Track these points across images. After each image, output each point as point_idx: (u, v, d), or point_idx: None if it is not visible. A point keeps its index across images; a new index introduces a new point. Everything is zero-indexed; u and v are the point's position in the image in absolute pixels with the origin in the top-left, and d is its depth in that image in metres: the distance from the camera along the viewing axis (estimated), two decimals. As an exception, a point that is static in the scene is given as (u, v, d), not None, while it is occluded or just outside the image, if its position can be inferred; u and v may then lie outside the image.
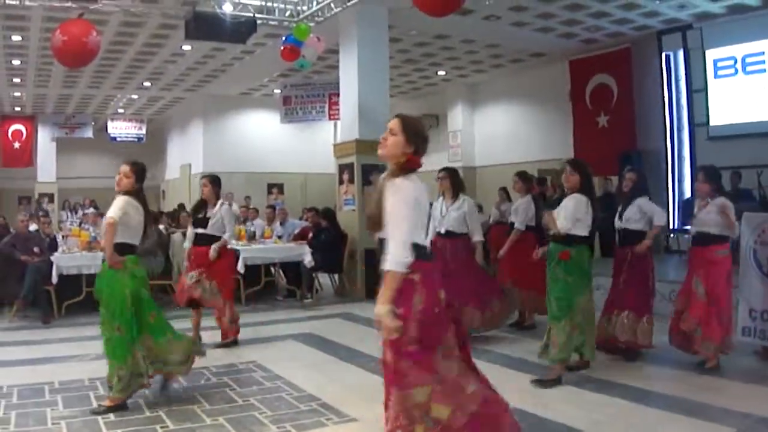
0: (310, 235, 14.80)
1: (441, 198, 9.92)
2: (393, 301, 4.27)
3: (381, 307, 4.25)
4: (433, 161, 20.07)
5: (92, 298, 12.65)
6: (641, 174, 9.00)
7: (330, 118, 22.61)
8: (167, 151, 32.72)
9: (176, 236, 13.90)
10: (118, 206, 7.03)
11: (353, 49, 15.18)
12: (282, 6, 14.81)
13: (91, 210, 19.33)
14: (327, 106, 22.13)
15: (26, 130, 29.12)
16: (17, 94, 25.75)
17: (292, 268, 14.45)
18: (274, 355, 9.21)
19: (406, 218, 4.36)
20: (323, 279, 15.67)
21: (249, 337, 10.53)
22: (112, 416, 6.68)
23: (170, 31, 17.15)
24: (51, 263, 12.54)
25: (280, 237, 15.64)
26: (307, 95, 22.50)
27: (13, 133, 28.93)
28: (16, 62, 20.49)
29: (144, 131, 30.60)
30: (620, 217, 8.77)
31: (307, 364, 8.88)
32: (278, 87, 23.82)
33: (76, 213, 26.21)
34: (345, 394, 7.40)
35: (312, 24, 14.65)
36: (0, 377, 8.35)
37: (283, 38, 14.60)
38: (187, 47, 18.93)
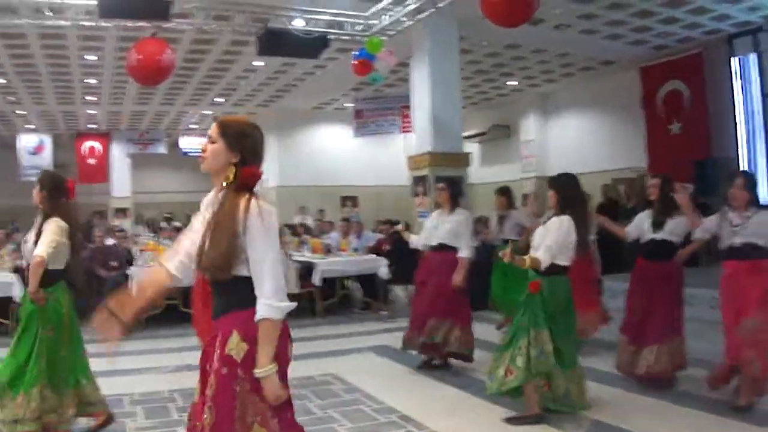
0: (386, 247, 14.83)
1: (437, 210, 9.54)
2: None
3: (269, 368, 3.50)
4: (506, 172, 20.12)
5: (171, 311, 12.90)
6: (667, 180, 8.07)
7: (402, 131, 22.56)
8: (240, 165, 32.80)
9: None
10: (46, 241, 6.32)
11: (425, 62, 15.16)
12: (353, 21, 14.88)
13: (169, 224, 19.51)
14: (399, 118, 22.07)
15: (101, 146, 29.46)
16: (92, 111, 26.16)
17: (368, 281, 14.50)
18: (351, 367, 9.23)
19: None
20: (399, 291, 15.68)
21: (327, 349, 10.59)
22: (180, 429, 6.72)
23: (242, 48, 17.30)
24: (128, 276, 12.77)
25: (356, 250, 15.67)
26: (379, 108, 22.49)
27: (88, 149, 29.27)
28: (91, 81, 20.80)
29: (216, 146, 30.78)
30: (658, 227, 7.89)
31: (384, 376, 8.90)
32: (350, 101, 23.87)
33: (153, 228, 26.52)
34: (424, 405, 7.41)
35: (384, 38, 14.68)
36: None
37: (355, 53, 14.65)
38: (258, 63, 19.07)
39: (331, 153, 26.44)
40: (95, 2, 12.75)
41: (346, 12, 14.60)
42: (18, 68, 19.00)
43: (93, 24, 13.80)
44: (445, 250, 9.12)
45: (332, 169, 26.01)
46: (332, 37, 14.65)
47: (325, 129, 27.25)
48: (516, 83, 22.63)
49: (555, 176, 7.25)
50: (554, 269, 6.64)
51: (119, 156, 30.42)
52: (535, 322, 6.62)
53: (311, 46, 14.40)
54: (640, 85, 19.41)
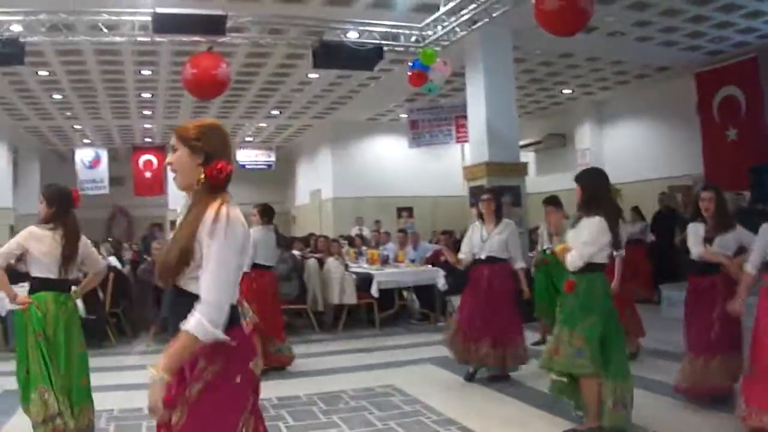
0: (443, 257, 14.81)
1: (479, 222, 9.36)
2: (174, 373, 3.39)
3: (161, 375, 3.34)
4: (562, 181, 19.96)
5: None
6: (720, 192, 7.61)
7: (458, 141, 22.55)
8: (297, 177, 33.06)
9: (311, 261, 14.03)
10: (5, 246, 6.50)
11: (479, 72, 15.12)
12: (407, 32, 14.89)
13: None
14: (454, 128, 22.06)
15: (157, 160, 29.67)
16: (148, 125, 26.46)
17: (426, 292, 14.48)
18: (411, 379, 9.19)
19: (230, 268, 3.40)
20: (456, 302, 15.63)
21: (385, 360, 10.60)
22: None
23: (297, 61, 17.39)
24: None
25: (413, 261, 15.67)
26: (434, 119, 22.49)
27: (144, 163, 29.49)
28: (146, 95, 21.05)
29: (273, 158, 30.86)
30: (709, 242, 7.44)
31: (444, 387, 8.87)
32: (405, 111, 23.87)
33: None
34: (484, 418, 7.35)
35: (438, 48, 14.68)
36: (142, 399, 8.56)
37: (410, 63, 14.65)
38: (313, 75, 19.15)
39: (387, 164, 26.44)
40: (150, 18, 12.88)
41: (401, 23, 14.60)
42: (74, 84, 19.28)
43: (148, 39, 13.92)
44: (495, 262, 9.07)
45: (388, 180, 26.03)
46: (387, 48, 14.65)
47: (380, 140, 27.26)
48: (570, 92, 22.50)
49: (582, 171, 6.92)
50: (590, 267, 6.39)
51: (175, 169, 30.44)
52: (572, 321, 6.43)
53: (366, 57, 14.42)
54: (695, 91, 19.17)
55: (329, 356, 10.75)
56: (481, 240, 9.15)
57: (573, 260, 6.34)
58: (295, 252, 14.38)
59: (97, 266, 7.01)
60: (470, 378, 9.16)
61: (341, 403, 8.14)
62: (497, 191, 9.69)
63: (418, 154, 25.57)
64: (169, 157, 3.66)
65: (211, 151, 3.58)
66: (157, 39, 13.82)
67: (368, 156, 26.88)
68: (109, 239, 18.10)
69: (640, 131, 22.45)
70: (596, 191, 6.48)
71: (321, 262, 14.13)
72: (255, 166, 30.84)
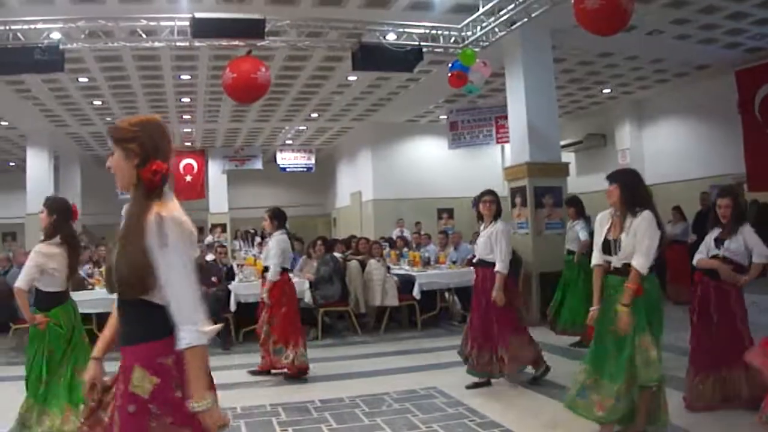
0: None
1: (482, 224, 9.22)
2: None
3: (208, 401, 3.26)
4: (603, 181, 19.88)
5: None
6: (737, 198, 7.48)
7: (497, 142, 22.50)
8: (337, 179, 33.12)
9: (352, 263, 14.03)
10: (24, 271, 6.66)
11: (519, 72, 15.07)
12: (446, 33, 14.85)
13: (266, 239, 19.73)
14: (494, 129, 22.01)
15: (197, 163, 29.84)
16: (188, 129, 26.59)
17: (467, 293, 14.43)
18: (453, 381, 9.12)
19: (186, 270, 3.31)
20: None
21: (428, 362, 10.58)
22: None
23: (336, 63, 17.42)
24: (229, 292, 13.02)
25: (454, 262, 15.65)
26: (473, 120, 22.46)
27: (184, 167, 29.66)
28: (185, 100, 21.17)
29: (313, 161, 30.93)
30: (719, 245, 7.37)
31: (487, 390, 8.82)
32: (444, 113, 23.87)
33: (252, 242, 26.70)
34: (526, 420, 7.34)
35: (477, 49, 14.63)
36: None
37: (450, 65, 14.62)
38: (353, 78, 19.18)
39: (427, 165, 26.35)
40: (188, 23, 12.94)
41: (439, 24, 14.58)
42: (114, 90, 19.44)
43: (186, 44, 13.99)
44: (483, 266, 8.96)
45: (428, 182, 25.97)
46: (426, 49, 14.62)
47: (420, 141, 27.18)
48: (609, 91, 22.32)
49: (617, 171, 6.74)
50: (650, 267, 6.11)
51: (215, 172, 30.89)
52: (639, 326, 6.07)
53: (406, 59, 14.39)
54: (736, 89, 18.97)
55: (371, 358, 10.75)
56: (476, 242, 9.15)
57: (642, 263, 6.02)
58: (337, 254, 14.37)
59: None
60: (472, 385, 9.00)
61: (384, 405, 8.14)
62: (496, 193, 9.22)
63: (457, 155, 25.56)
64: (109, 160, 3.57)
65: (147, 152, 3.44)
66: (196, 44, 13.88)
67: (408, 157, 26.83)
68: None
69: (681, 130, 22.23)
70: (637, 188, 6.34)
71: (363, 264, 14.14)
72: (295, 169, 30.93)
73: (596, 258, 6.44)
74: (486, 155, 26.14)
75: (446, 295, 15.17)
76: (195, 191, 29.72)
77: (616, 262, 6.28)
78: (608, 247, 6.28)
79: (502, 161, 25.84)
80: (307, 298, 13.21)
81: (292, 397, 8.71)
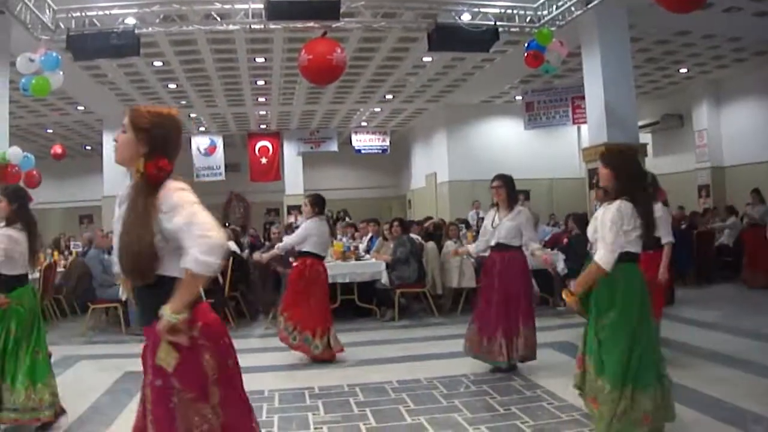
0: (565, 240, 14.56)
1: (494, 209, 9.15)
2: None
3: (178, 316, 3.42)
4: (680, 163, 19.63)
5: (347, 305, 13.06)
6: None
7: (574, 122, 22.30)
8: (412, 160, 33.15)
9: (429, 245, 13.99)
10: None
11: (596, 51, 14.88)
12: (522, 12, 14.74)
13: (346, 220, 19.72)
14: (570, 110, 21.82)
15: (272, 146, 30.01)
16: (263, 112, 26.88)
17: (544, 276, 14.30)
18: (531, 364, 9.01)
19: (202, 215, 3.50)
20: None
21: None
22: (373, 422, 6.85)
23: (411, 44, 17.39)
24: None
25: (530, 244, 15.54)
26: (549, 100, 22.28)
27: (260, 149, 29.89)
28: (260, 83, 21.32)
29: (388, 143, 30.92)
30: None
31: (564, 372, 8.65)
32: (520, 93, 23.75)
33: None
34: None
35: (553, 28, 14.52)
36: (261, 382, 8.70)
37: (526, 44, 14.52)
38: (427, 59, 19.15)
39: (502, 146, 26.14)
40: (262, 6, 12.98)
41: (515, 4, 14.49)
42: (189, 73, 19.64)
43: (261, 27, 14.05)
44: (505, 249, 8.88)
45: (503, 163, 25.54)
46: (501, 29, 14.52)
47: (495, 122, 27.07)
48: (686, 71, 21.94)
49: (610, 153, 6.06)
50: (626, 257, 5.58)
51: (291, 154, 31.14)
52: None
53: (481, 39, 14.33)
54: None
55: (448, 340, 10.70)
56: (491, 226, 9.04)
57: (603, 259, 5.50)
58: (414, 236, 14.33)
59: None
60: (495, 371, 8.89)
61: (462, 387, 8.13)
62: (508, 177, 9.07)
63: (533, 136, 25.42)
64: (117, 134, 3.73)
65: (157, 147, 3.62)
66: (271, 26, 13.95)
67: (483, 139, 26.70)
68: (226, 224, 18.36)
69: (760, 110, 21.76)
70: (629, 174, 5.76)
71: (439, 246, 14.10)
72: (370, 151, 30.96)
73: None
74: (561, 136, 25.95)
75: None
76: (270, 173, 29.95)
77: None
78: None
79: (578, 142, 25.64)
80: (384, 279, 13.24)
81: (370, 377, 8.73)
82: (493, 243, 9.00)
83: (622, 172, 5.71)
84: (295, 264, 10.22)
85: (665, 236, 8.66)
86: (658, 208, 8.79)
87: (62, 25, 13.76)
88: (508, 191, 8.92)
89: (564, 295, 5.77)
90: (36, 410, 6.82)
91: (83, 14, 13.64)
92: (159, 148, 3.59)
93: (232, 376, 3.74)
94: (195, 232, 3.41)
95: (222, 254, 3.46)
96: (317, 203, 10.21)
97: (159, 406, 3.50)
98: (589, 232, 5.94)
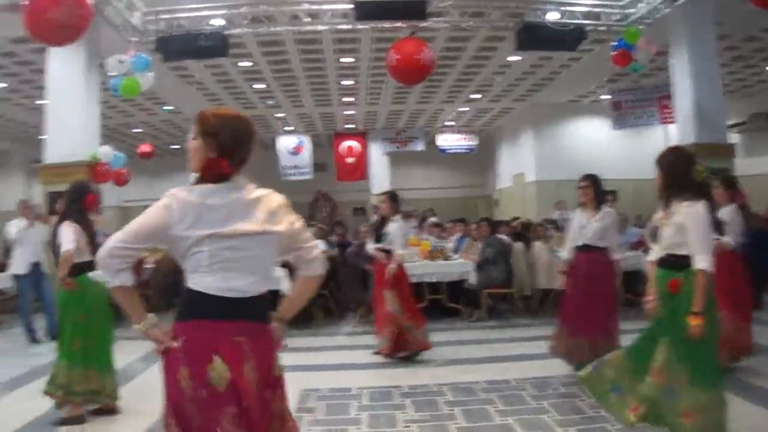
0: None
1: (580, 209, 9.08)
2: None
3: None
4: None
5: (434, 305, 13.08)
6: None
7: (662, 122, 21.99)
8: (498, 160, 32.87)
9: (517, 245, 13.94)
10: (67, 237, 7.32)
11: (683, 49, 14.72)
12: (609, 11, 14.64)
13: (432, 220, 19.72)
14: (658, 109, 21.56)
15: (359, 145, 30.20)
16: (349, 112, 27.03)
17: (631, 277, 14.17)
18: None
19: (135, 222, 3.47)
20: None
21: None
22: (462, 422, 6.86)
23: (498, 43, 17.36)
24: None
25: (620, 246, 15.35)
26: (637, 99, 21.99)
27: (347, 149, 30.12)
28: (347, 82, 21.44)
29: (474, 142, 30.91)
30: None
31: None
32: (607, 92, 23.54)
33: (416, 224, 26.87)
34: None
35: (641, 27, 14.40)
36: (349, 379, 8.88)
37: (614, 43, 14.43)
38: (514, 58, 19.09)
39: (589, 146, 25.86)
40: (351, 6, 13.08)
41: (602, 2, 14.40)
42: (276, 74, 19.85)
43: (349, 27, 14.15)
44: (590, 250, 8.80)
45: (590, 163, 25.24)
46: (588, 28, 14.45)
47: (582, 122, 26.86)
48: (776, 68, 21.49)
49: (661, 153, 5.97)
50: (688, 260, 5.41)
51: (377, 154, 31.20)
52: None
53: (568, 38, 14.30)
54: None
55: (536, 341, 10.67)
56: (579, 227, 8.95)
57: (706, 264, 5.26)
58: (501, 236, 14.30)
59: None
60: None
61: (550, 389, 8.11)
62: (595, 177, 9.01)
63: (619, 136, 25.09)
64: (189, 142, 3.66)
65: (224, 150, 3.55)
66: (358, 26, 14.03)
67: (570, 138, 26.51)
68: (312, 223, 18.53)
69: None
70: (679, 174, 5.68)
71: (528, 246, 14.06)
72: (456, 151, 30.94)
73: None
74: (648, 136, 25.58)
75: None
76: (357, 173, 30.15)
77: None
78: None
79: (664, 142, 25.34)
80: (472, 279, 13.24)
81: (458, 377, 8.76)
82: (579, 243, 8.93)
83: (670, 172, 5.70)
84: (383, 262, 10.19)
85: (732, 239, 8.49)
86: (729, 210, 8.67)
87: (151, 27, 14.03)
88: (596, 191, 8.86)
89: (691, 321, 5.50)
90: (90, 394, 7.35)
91: (172, 16, 13.89)
92: (226, 153, 3.54)
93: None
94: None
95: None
96: (395, 199, 10.33)
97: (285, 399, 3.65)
98: (648, 234, 5.92)
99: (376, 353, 10.26)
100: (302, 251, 3.80)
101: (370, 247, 10.50)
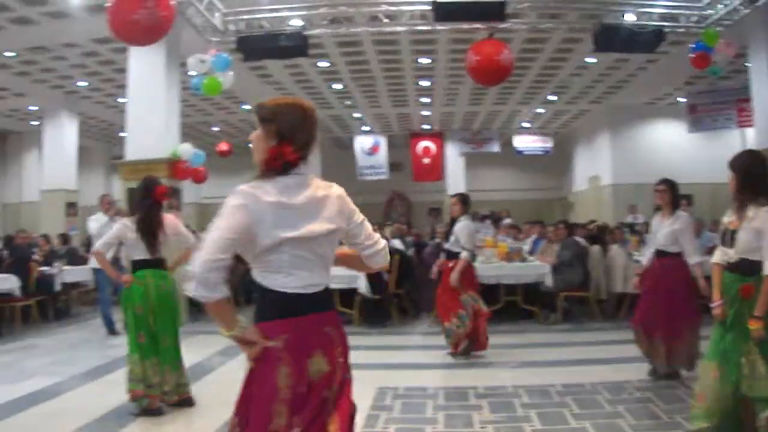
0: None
1: (658, 213, 8.96)
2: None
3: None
4: None
5: (510, 307, 13.08)
6: None
7: (739, 126, 21.69)
8: (574, 162, 32.80)
9: (594, 248, 13.86)
10: (105, 234, 7.86)
11: (762, 52, 14.48)
12: (687, 12, 14.52)
13: (507, 221, 19.69)
14: (735, 112, 21.29)
15: (435, 146, 30.31)
16: (426, 113, 27.21)
17: (708, 282, 14.01)
18: (696, 371, 8.83)
19: (214, 230, 3.35)
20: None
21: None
22: (537, 424, 6.88)
23: (574, 45, 17.34)
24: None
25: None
26: (713, 102, 21.73)
27: (423, 149, 30.28)
28: (424, 83, 21.54)
29: (550, 144, 30.73)
30: None
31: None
32: (683, 95, 23.33)
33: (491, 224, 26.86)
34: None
35: (719, 28, 14.26)
36: (425, 378, 9.01)
37: (692, 45, 14.30)
38: (591, 59, 19.03)
39: (665, 149, 25.62)
40: (428, 7, 13.15)
41: (680, 3, 14.29)
42: (354, 74, 20.05)
43: (427, 28, 14.22)
44: (663, 256, 8.71)
45: (666, 166, 25.04)
46: (666, 30, 14.34)
47: (658, 125, 26.63)
48: None
49: (735, 156, 5.80)
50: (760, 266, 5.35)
51: (453, 155, 31.19)
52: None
53: (646, 40, 14.21)
54: None
55: (611, 345, 10.66)
56: (654, 232, 8.93)
57: None
58: (578, 238, 14.25)
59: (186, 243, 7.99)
60: (654, 374, 8.78)
61: (625, 393, 8.05)
62: (672, 182, 8.84)
63: (695, 140, 24.76)
64: (252, 134, 3.67)
65: (283, 135, 3.52)
66: (437, 27, 14.08)
67: (647, 141, 26.27)
68: (387, 222, 18.61)
69: None
70: (755, 177, 5.56)
71: (604, 250, 13.99)
72: (532, 152, 30.82)
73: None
74: (725, 139, 25.17)
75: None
76: (433, 173, 30.28)
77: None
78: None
79: (741, 146, 25.00)
80: (548, 282, 13.21)
81: (533, 380, 8.77)
82: (653, 249, 8.92)
83: (744, 175, 5.58)
84: (450, 265, 10.25)
85: None
86: None
87: (231, 27, 14.23)
88: (672, 196, 8.75)
89: (751, 325, 5.47)
90: (152, 387, 7.51)
91: (251, 17, 14.08)
92: (285, 138, 3.50)
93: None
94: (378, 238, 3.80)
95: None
96: (467, 201, 10.38)
97: (349, 398, 3.60)
98: (721, 238, 5.84)
99: (452, 353, 10.36)
100: (366, 244, 3.84)
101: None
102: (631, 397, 7.91)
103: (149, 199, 7.65)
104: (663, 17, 14.41)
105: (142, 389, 7.41)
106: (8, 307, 13.93)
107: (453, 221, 10.35)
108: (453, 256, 10.19)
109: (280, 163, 3.47)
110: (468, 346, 10.24)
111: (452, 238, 10.21)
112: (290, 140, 3.50)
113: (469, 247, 10.14)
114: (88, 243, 15.21)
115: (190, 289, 3.27)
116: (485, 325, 10.17)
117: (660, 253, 8.76)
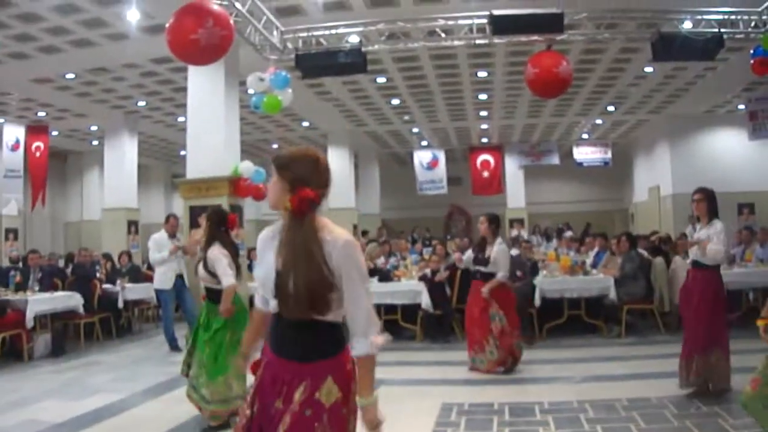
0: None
1: (697, 223, 8.87)
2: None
3: (374, 397, 3.64)
4: None
5: (574, 320, 12.96)
6: None
7: (801, 133, 21.49)
8: (634, 173, 32.43)
9: (657, 260, 13.70)
10: (225, 270, 7.61)
11: (826, 55, 14.19)
12: (746, 18, 14.32)
13: (569, 234, 19.56)
14: (795, 118, 21.06)
15: (494, 159, 30.29)
16: (484, 126, 27.18)
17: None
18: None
19: (367, 286, 3.68)
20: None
21: (739, 365, 10.17)
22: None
23: (632, 55, 17.23)
24: (534, 287, 13.17)
25: (761, 260, 14.96)
26: (774, 109, 21.53)
27: (481, 163, 30.24)
28: (482, 96, 21.48)
29: (609, 155, 30.50)
30: None
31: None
32: (743, 102, 23.09)
33: (549, 238, 26.72)
34: None
35: (779, 33, 14.07)
36: (490, 394, 8.96)
37: (752, 51, 14.10)
38: (649, 69, 18.88)
39: (725, 158, 25.27)
40: (485, 21, 13.11)
41: (737, 9, 14.09)
42: (412, 89, 20.07)
43: (484, 42, 14.16)
44: (696, 267, 8.55)
45: (727, 175, 24.79)
46: (726, 36, 14.15)
47: (719, 133, 26.22)
48: None
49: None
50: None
51: (512, 167, 31.12)
52: None
53: (705, 47, 14.00)
54: None
55: (675, 359, 10.38)
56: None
57: None
58: (641, 251, 14.10)
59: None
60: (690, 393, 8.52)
61: (693, 407, 7.95)
62: (710, 191, 8.82)
63: (757, 147, 24.42)
64: (268, 180, 3.91)
65: (296, 182, 3.64)
66: (495, 41, 14.03)
67: (707, 150, 25.86)
68: (448, 237, 18.59)
69: None
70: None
71: (667, 261, 13.82)
72: (591, 164, 30.64)
73: None
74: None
75: (750, 294, 14.51)
76: (492, 187, 30.26)
77: None
78: None
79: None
80: (612, 294, 13.07)
81: (599, 394, 8.69)
82: (689, 260, 8.85)
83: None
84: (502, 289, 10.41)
85: None
86: None
87: (289, 45, 14.29)
88: (709, 205, 8.65)
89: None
90: (209, 402, 7.60)
91: (309, 34, 14.12)
92: (301, 182, 3.64)
93: None
94: (362, 310, 3.62)
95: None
96: (496, 222, 10.85)
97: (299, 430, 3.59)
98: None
99: (473, 369, 10.48)
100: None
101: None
102: (698, 411, 7.79)
103: (225, 226, 7.84)
104: (721, 23, 14.22)
105: (211, 407, 7.54)
106: (72, 324, 14.39)
107: (483, 241, 10.39)
108: (488, 277, 10.32)
109: (307, 205, 3.60)
110: (512, 364, 10.34)
111: (491, 264, 10.29)
112: (304, 183, 3.65)
113: (506, 272, 10.34)
114: (147, 261, 15.41)
115: (378, 345, 3.60)
116: (514, 341, 10.29)
117: (695, 264, 8.62)
